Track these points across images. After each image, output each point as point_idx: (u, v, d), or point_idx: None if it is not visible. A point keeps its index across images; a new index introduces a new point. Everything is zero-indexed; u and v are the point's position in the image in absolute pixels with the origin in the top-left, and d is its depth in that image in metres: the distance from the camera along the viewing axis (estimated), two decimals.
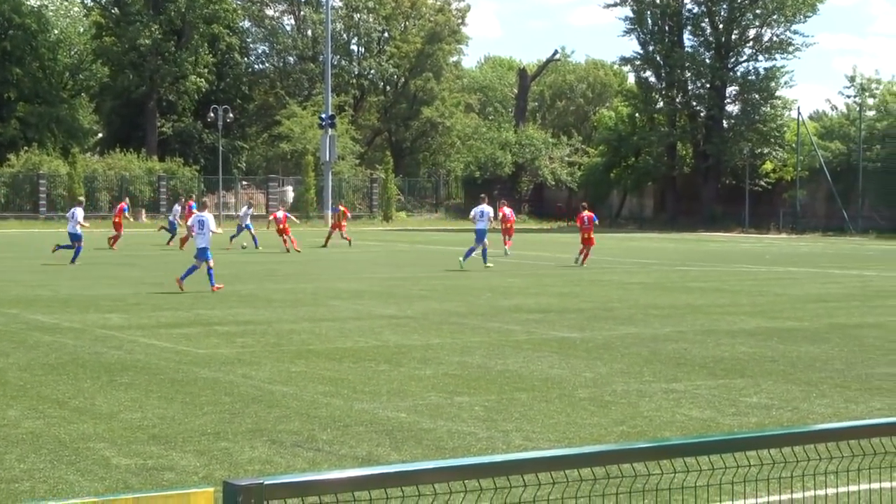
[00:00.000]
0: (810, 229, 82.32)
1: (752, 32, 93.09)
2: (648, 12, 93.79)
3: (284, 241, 48.00)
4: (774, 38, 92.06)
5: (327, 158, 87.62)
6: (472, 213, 41.15)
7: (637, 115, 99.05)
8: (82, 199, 50.68)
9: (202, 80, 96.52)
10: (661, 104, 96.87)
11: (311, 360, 17.54)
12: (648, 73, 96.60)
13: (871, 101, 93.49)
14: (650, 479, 5.21)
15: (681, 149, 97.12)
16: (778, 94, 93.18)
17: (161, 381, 15.47)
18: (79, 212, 41.64)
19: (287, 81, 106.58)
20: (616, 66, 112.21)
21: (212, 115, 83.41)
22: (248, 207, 57.83)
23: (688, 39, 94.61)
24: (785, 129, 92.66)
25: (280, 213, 50.46)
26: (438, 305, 26.38)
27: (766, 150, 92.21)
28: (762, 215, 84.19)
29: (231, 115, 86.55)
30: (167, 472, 10.61)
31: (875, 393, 14.97)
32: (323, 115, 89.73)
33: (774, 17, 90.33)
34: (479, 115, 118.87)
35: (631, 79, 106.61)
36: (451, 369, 16.67)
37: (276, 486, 4.05)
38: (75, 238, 40.48)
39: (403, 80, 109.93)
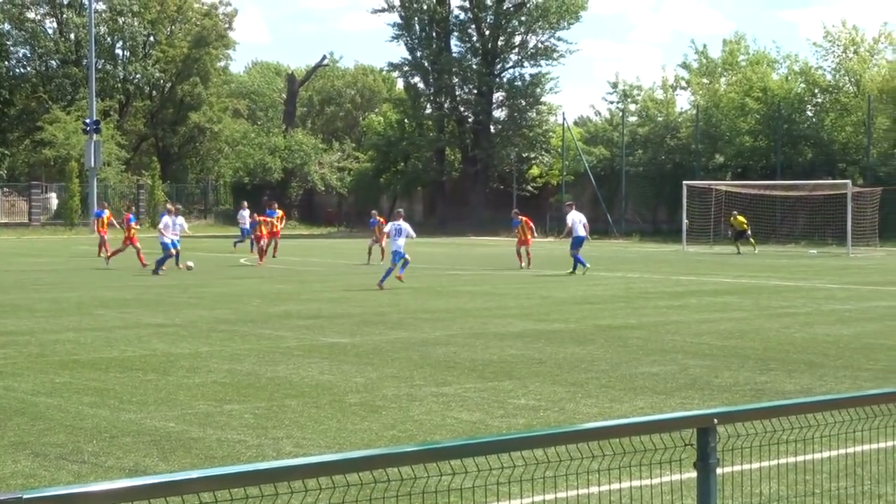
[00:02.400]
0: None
1: (517, 39, 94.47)
2: (416, 18, 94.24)
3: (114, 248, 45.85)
4: (539, 45, 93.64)
5: (92, 164, 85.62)
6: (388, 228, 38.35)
7: (406, 120, 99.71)
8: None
9: None
10: (429, 110, 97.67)
11: (75, 370, 17.12)
12: (417, 79, 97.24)
13: (633, 107, 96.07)
14: (420, 483, 5.22)
15: (449, 154, 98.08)
16: (543, 99, 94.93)
17: None
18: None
19: (50, 86, 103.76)
20: (385, 72, 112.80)
21: None
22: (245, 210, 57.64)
23: (455, 45, 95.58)
24: (551, 134, 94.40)
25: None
26: (207, 313, 26.06)
27: (532, 155, 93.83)
28: (534, 220, 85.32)
29: None
30: None
31: (639, 392, 15.31)
32: (87, 121, 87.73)
33: (539, 24, 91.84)
34: (247, 120, 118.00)
35: (400, 84, 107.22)
36: (221, 377, 16.47)
37: (37, 499, 3.93)
38: None
39: (170, 84, 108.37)
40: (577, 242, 40.31)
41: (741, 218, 58.89)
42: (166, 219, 41.01)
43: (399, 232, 34.12)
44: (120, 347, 19.85)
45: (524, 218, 44.91)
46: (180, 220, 42.31)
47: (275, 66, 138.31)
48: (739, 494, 9.09)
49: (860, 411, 6.49)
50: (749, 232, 59.01)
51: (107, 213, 51.42)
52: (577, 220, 40.86)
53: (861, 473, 9.91)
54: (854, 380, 16.40)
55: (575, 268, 39.76)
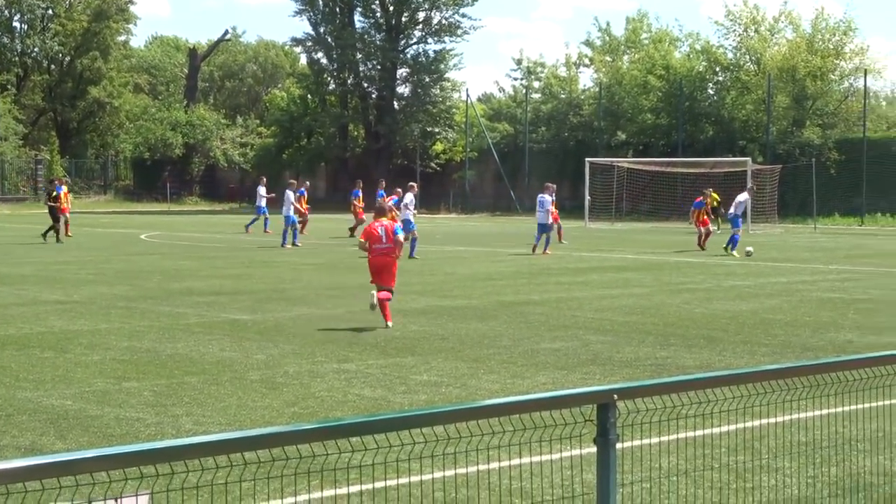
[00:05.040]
0: (479, 209, 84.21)
1: (421, 15, 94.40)
2: None
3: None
4: (443, 21, 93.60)
5: None
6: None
7: (309, 96, 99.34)
8: None
9: None
10: (332, 85, 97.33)
11: None
12: (320, 55, 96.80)
13: (536, 84, 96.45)
14: (321, 460, 5.17)
15: (353, 130, 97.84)
16: (447, 76, 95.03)
17: None
18: None
19: None
20: (287, 47, 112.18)
21: None
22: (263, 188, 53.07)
23: (359, 21, 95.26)
24: (454, 110, 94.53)
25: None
26: (107, 290, 25.75)
27: (436, 131, 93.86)
28: (433, 196, 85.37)
29: None
30: None
31: (541, 368, 15.36)
32: None
33: (443, 0, 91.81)
34: (148, 95, 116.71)
35: (303, 60, 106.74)
36: (120, 354, 16.28)
37: None
38: None
39: (69, 58, 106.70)
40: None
41: (715, 195, 58.66)
42: None
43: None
44: (17, 325, 19.56)
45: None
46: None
47: (176, 40, 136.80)
48: (639, 469, 9.15)
49: (758, 386, 6.54)
50: (722, 211, 58.94)
51: (64, 189, 48.64)
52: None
53: (759, 447, 10.02)
54: (752, 355, 16.59)
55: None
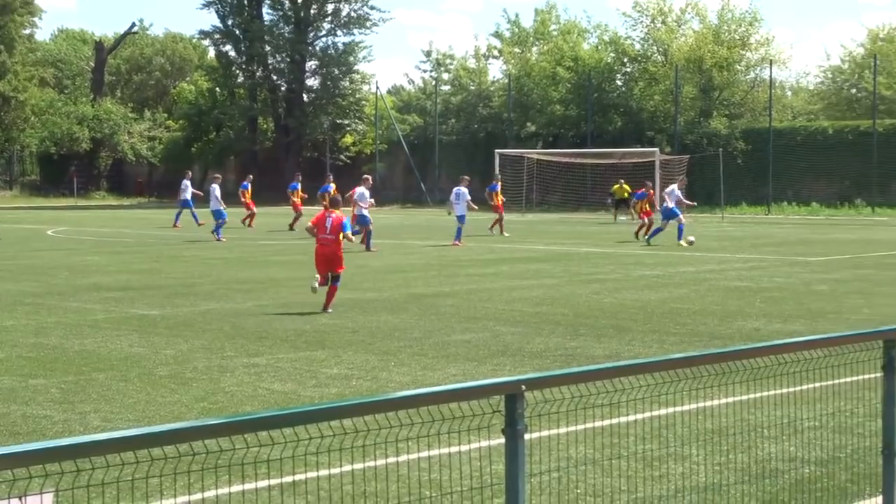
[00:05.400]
0: (390, 201, 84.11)
1: (330, 7, 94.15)
2: None
3: None
4: (352, 14, 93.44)
5: None
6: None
7: (217, 89, 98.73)
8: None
9: None
10: (241, 78, 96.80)
11: None
12: (228, 47, 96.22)
13: (446, 76, 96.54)
14: (230, 455, 5.14)
15: (262, 123, 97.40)
16: (357, 68, 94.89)
17: None
18: None
19: None
20: (195, 40, 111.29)
21: None
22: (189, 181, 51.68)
23: (267, 14, 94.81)
24: (364, 102, 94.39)
25: None
26: (13, 286, 25.42)
27: (346, 123, 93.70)
28: (344, 188, 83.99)
29: None
30: None
31: (451, 360, 15.39)
32: None
33: None
34: (54, 89, 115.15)
35: (211, 53, 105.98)
36: (26, 351, 16.08)
37: None
38: None
39: None
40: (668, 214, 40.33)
41: (627, 186, 58.92)
42: None
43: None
44: None
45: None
46: None
47: (82, 33, 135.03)
48: (549, 459, 9.19)
49: (666, 374, 6.59)
50: (634, 201, 59.21)
51: None
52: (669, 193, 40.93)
53: (667, 435, 10.11)
54: (661, 344, 16.74)
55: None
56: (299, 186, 50.76)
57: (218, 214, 42.65)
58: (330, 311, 20.35)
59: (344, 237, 21.15)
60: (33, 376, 14.15)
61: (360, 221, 36.12)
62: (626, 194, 58.27)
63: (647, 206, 43.10)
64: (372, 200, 38.14)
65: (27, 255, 34.85)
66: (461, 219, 40.06)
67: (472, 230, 43.15)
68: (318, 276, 20.83)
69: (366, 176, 40.28)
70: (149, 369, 14.67)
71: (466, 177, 42.79)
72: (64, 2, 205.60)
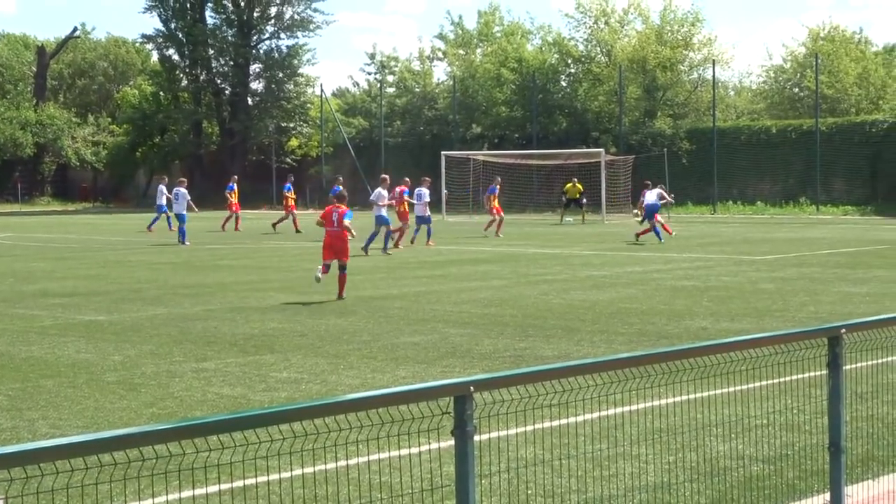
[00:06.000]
0: None
1: (273, 10, 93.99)
2: None
3: None
4: (296, 17, 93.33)
5: None
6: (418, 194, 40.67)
7: (161, 93, 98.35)
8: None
9: None
10: (185, 82, 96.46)
11: None
12: (171, 51, 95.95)
13: (390, 79, 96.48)
14: (180, 459, 5.13)
15: (207, 126, 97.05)
16: (301, 71, 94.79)
17: None
18: None
19: None
20: (138, 44, 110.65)
21: None
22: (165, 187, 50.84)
23: (210, 17, 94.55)
24: (309, 105, 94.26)
25: None
26: None
27: (291, 126, 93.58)
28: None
29: None
30: None
31: (400, 362, 15.39)
32: None
33: None
34: None
35: (154, 57, 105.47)
36: None
37: None
38: None
39: None
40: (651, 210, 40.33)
41: (579, 185, 58.95)
42: None
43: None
44: None
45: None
46: None
47: (24, 38, 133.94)
48: (499, 460, 9.22)
49: (616, 374, 6.63)
50: (584, 202, 59.23)
51: None
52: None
53: (617, 435, 10.15)
54: (609, 343, 16.81)
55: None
56: (235, 187, 51.34)
57: (181, 218, 42.80)
58: (344, 296, 23.10)
59: (342, 226, 23.60)
60: None
61: (379, 222, 36.34)
62: (577, 194, 58.48)
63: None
64: (391, 200, 38.45)
65: None
66: (421, 219, 40.19)
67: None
68: (321, 265, 23.82)
69: (384, 176, 40.21)
70: (97, 375, 14.58)
71: (427, 178, 42.76)
72: (4, 6, 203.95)
